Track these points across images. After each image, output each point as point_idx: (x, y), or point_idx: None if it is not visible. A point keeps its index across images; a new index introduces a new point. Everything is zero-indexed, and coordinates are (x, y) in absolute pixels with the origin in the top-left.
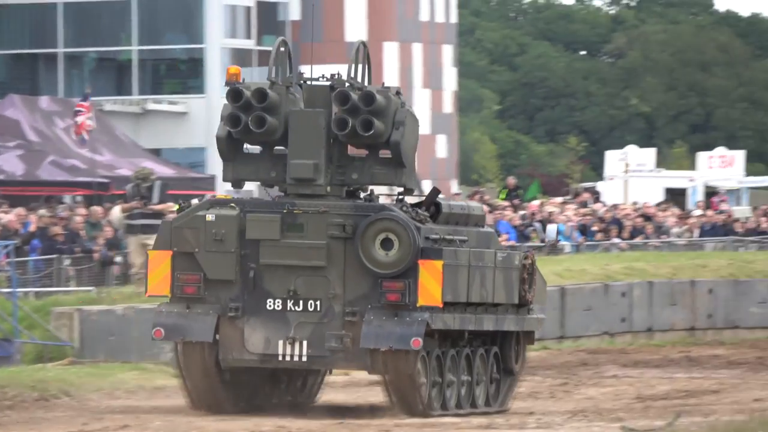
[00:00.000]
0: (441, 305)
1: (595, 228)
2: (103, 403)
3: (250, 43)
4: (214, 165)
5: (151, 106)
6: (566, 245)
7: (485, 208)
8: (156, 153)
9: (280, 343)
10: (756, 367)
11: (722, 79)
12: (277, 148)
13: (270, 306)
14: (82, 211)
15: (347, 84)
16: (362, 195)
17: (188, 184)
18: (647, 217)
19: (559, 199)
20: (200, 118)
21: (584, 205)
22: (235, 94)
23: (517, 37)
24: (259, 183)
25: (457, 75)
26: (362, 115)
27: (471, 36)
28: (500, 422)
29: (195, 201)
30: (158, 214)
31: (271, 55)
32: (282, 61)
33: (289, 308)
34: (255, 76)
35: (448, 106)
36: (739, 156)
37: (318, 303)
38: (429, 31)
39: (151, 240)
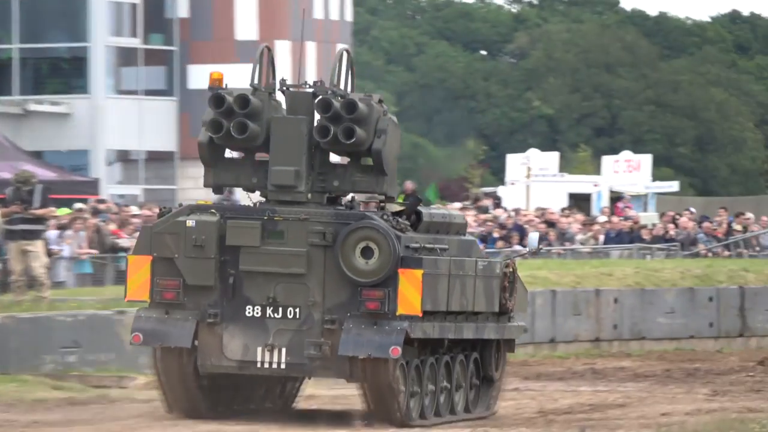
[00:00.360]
0: (420, 314)
1: (496, 234)
2: None
3: (136, 42)
4: (98, 168)
5: (33, 107)
6: None
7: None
8: (37, 156)
9: (259, 350)
10: (663, 380)
11: (628, 80)
12: (258, 154)
13: (249, 313)
14: None
15: (330, 91)
16: (343, 202)
17: (71, 188)
18: (550, 224)
19: (458, 205)
20: (84, 119)
21: (485, 210)
22: (217, 99)
23: (414, 36)
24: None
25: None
26: (344, 123)
27: (367, 35)
28: None
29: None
30: (40, 219)
31: (254, 61)
32: (264, 67)
33: (268, 315)
34: (142, 76)
35: None
36: (646, 160)
37: (297, 310)
38: (323, 30)
39: (32, 246)
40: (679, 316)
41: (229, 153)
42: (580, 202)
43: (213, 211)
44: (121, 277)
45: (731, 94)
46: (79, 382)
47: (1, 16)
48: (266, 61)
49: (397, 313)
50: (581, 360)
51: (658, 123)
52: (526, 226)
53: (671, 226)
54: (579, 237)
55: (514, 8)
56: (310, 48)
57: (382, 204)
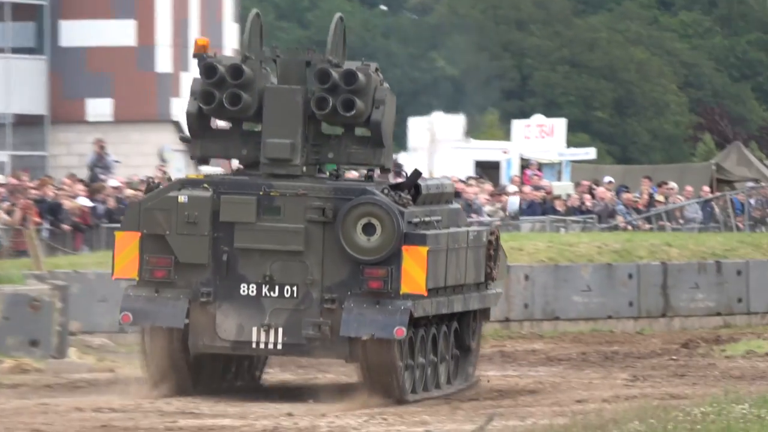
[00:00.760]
0: (425, 293)
1: None
2: None
3: None
4: None
5: None
6: None
7: None
8: None
9: (254, 330)
10: (578, 364)
11: (540, 38)
12: (247, 124)
13: (244, 291)
14: None
15: (327, 61)
16: (327, 172)
17: None
18: (456, 194)
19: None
20: None
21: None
22: (208, 69)
23: None
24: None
25: (239, 32)
26: (343, 94)
27: None
28: (287, 425)
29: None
30: None
31: (245, 28)
32: (254, 34)
33: (264, 294)
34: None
35: None
36: (560, 125)
37: (294, 289)
38: None
39: None
40: (596, 295)
41: (214, 123)
42: (488, 170)
43: (205, 185)
44: None
45: (653, 53)
46: None
47: None
48: (257, 27)
49: (401, 292)
50: (489, 342)
51: (573, 85)
52: None
53: (587, 196)
54: (487, 208)
55: None
56: (192, 2)
57: (369, 173)
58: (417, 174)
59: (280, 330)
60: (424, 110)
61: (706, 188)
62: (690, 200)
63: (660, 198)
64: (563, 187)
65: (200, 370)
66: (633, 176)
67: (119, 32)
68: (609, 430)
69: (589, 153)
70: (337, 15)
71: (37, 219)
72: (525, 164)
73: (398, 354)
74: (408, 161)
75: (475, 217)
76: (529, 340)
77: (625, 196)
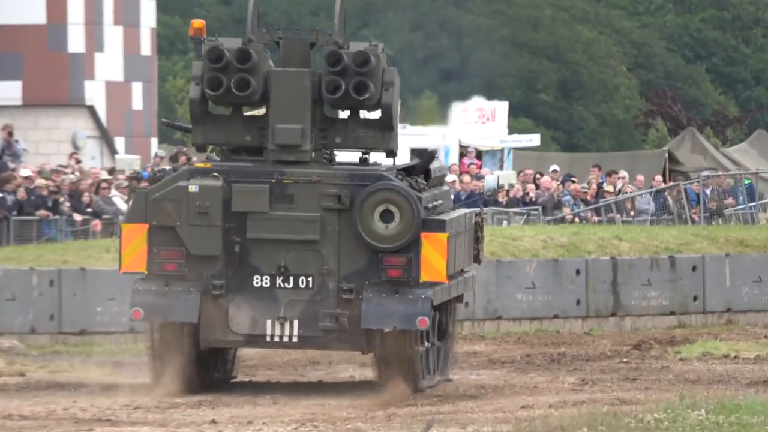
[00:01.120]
0: (447, 281)
1: None
2: None
3: None
4: None
5: None
6: None
7: None
8: None
9: (269, 322)
10: (523, 367)
11: (480, 16)
12: (246, 109)
13: (257, 283)
14: None
15: (334, 42)
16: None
17: None
18: None
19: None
20: None
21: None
22: (215, 54)
23: None
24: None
25: (157, 9)
26: (355, 77)
27: None
28: None
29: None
30: None
31: (248, 11)
32: (255, 16)
33: (278, 285)
34: None
35: (146, 47)
36: (501, 109)
37: (310, 279)
38: None
39: None
40: (541, 293)
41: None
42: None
43: (215, 174)
44: None
45: (600, 32)
46: None
47: None
48: (257, 9)
49: (421, 280)
50: None
51: (514, 66)
52: None
53: (531, 186)
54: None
55: None
56: None
57: (365, 156)
58: (431, 156)
59: (296, 322)
60: None
61: (659, 178)
62: (641, 190)
63: (609, 188)
64: (505, 176)
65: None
66: (580, 165)
67: (28, 9)
68: None
69: (533, 140)
70: None
71: None
72: (463, 152)
73: (417, 343)
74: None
75: None
76: (470, 342)
77: (572, 186)
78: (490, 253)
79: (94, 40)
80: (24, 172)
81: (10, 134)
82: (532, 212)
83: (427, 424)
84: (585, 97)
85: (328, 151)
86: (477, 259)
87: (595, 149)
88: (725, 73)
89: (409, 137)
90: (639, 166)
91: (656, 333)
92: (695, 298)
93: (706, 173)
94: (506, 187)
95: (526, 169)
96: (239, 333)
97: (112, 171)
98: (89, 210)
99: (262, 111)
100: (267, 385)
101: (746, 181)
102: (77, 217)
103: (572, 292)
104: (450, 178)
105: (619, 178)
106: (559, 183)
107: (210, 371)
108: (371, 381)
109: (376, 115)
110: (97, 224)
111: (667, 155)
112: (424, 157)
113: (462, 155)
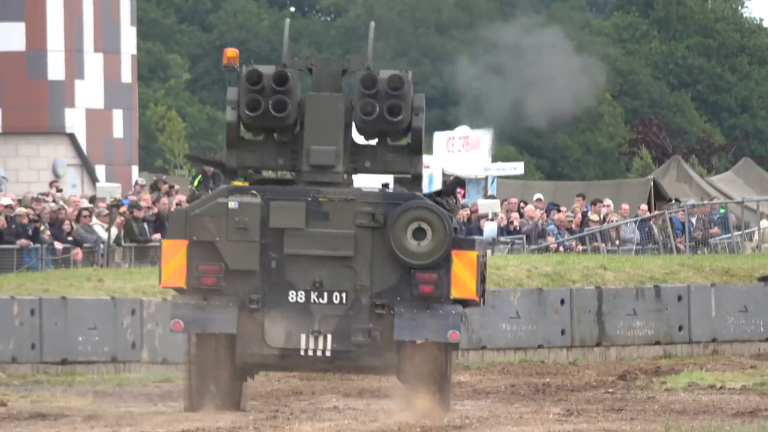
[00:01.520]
0: (477, 298)
1: None
2: None
3: None
4: None
5: None
6: None
7: None
8: None
9: (303, 336)
10: (507, 397)
11: (463, 43)
12: (278, 135)
13: (292, 298)
14: None
15: (367, 68)
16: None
17: None
18: None
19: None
20: None
21: None
22: (254, 77)
23: None
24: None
25: (137, 36)
26: (390, 99)
27: None
28: None
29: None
30: None
31: (284, 36)
32: (288, 42)
33: (312, 300)
34: None
35: (127, 74)
36: (485, 137)
37: (344, 295)
38: None
39: None
40: (526, 322)
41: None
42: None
43: (254, 192)
44: None
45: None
46: None
47: None
48: (290, 38)
49: (451, 297)
50: None
51: (497, 93)
52: None
53: (515, 215)
54: None
55: None
56: (86, 3)
57: (385, 183)
58: (457, 182)
59: (329, 336)
60: None
61: (644, 206)
62: (626, 219)
63: (594, 217)
64: (489, 204)
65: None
66: (564, 193)
67: (7, 36)
68: None
69: (517, 168)
70: (372, 23)
71: None
72: (447, 180)
73: (446, 359)
74: None
75: None
76: (454, 372)
77: (557, 215)
78: None
79: (74, 67)
80: (4, 200)
81: None
82: (516, 241)
83: None
84: (569, 125)
85: (357, 174)
86: (482, 299)
87: (579, 178)
88: (710, 100)
89: None
90: (624, 194)
91: (641, 363)
92: (681, 328)
93: (691, 202)
94: (490, 216)
95: (510, 197)
96: (274, 347)
97: (92, 199)
98: (70, 238)
99: (290, 136)
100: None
101: (721, 210)
102: (58, 245)
103: (557, 321)
104: None
105: (603, 207)
106: (543, 212)
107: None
108: (366, 409)
109: (400, 143)
110: (78, 253)
111: (652, 184)
112: (450, 182)
113: (445, 184)
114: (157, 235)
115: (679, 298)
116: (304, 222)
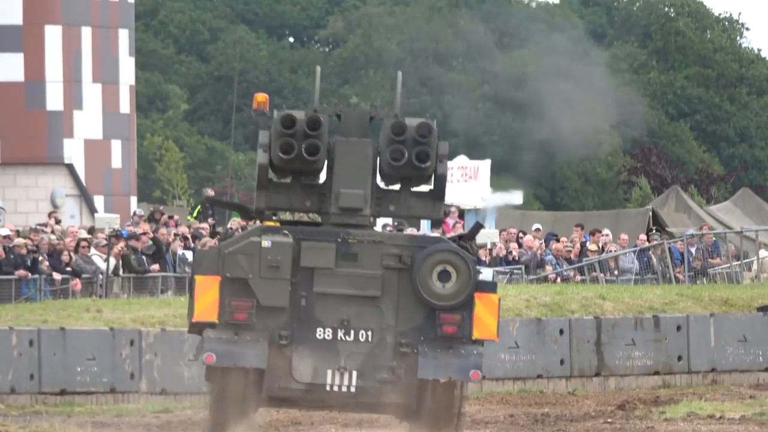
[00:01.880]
0: (497, 338)
1: None
2: None
3: None
4: None
5: None
6: None
7: None
8: None
9: (329, 372)
10: (507, 428)
11: (462, 73)
12: (304, 178)
13: (320, 335)
14: None
15: (395, 115)
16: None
17: None
18: None
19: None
20: None
21: None
22: (288, 121)
23: (209, 20)
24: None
25: (136, 66)
26: (418, 146)
27: (153, 19)
28: None
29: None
30: None
31: (316, 82)
32: (319, 90)
33: (339, 338)
34: None
35: (125, 104)
36: (484, 167)
37: (369, 333)
38: (100, 13)
39: None
40: (525, 352)
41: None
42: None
43: (285, 232)
44: None
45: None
46: None
47: None
48: (320, 84)
49: (473, 338)
50: None
51: (497, 123)
52: None
53: (514, 245)
54: None
55: None
56: (85, 34)
57: (400, 227)
58: (478, 227)
59: (354, 373)
60: None
61: (643, 236)
62: (625, 249)
63: (593, 247)
64: (488, 234)
65: None
66: (563, 223)
67: (6, 66)
68: None
69: (516, 198)
70: (399, 73)
71: None
72: (446, 211)
73: (463, 398)
74: None
75: None
76: None
77: (555, 245)
78: None
79: (73, 97)
80: (3, 231)
81: None
82: (515, 271)
83: None
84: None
85: (382, 218)
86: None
87: (578, 208)
88: (709, 130)
89: None
90: (623, 224)
91: (641, 393)
92: (680, 358)
93: (690, 232)
94: (489, 246)
95: (509, 227)
96: (301, 382)
97: (91, 230)
98: (68, 269)
99: (316, 180)
100: None
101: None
102: (57, 276)
103: (556, 351)
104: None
105: (602, 237)
106: (541, 242)
107: None
108: None
109: (423, 188)
110: (76, 283)
111: (650, 214)
112: (473, 227)
113: (445, 215)
114: (156, 266)
115: (678, 328)
116: (333, 262)
